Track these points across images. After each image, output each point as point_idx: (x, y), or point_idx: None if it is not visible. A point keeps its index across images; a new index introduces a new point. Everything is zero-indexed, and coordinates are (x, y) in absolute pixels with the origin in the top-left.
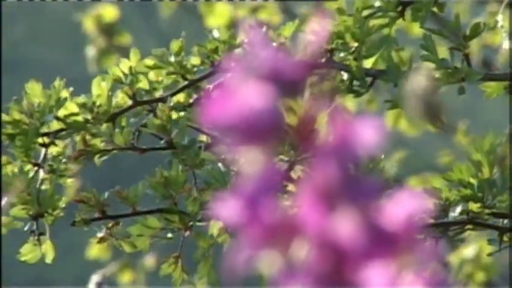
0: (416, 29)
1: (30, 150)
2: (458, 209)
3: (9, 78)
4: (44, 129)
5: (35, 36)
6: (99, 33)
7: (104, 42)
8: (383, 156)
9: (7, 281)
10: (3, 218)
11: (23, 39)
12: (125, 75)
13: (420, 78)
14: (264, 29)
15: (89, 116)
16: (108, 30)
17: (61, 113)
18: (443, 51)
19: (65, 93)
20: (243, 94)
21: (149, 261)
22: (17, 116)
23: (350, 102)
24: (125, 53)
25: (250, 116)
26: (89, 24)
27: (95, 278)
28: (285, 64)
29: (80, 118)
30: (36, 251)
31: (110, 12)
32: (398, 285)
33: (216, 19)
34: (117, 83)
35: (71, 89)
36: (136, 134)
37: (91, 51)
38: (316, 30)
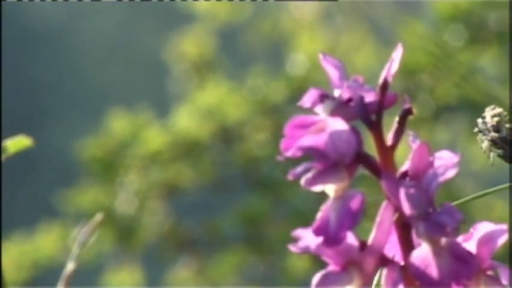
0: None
1: (112, 183)
2: None
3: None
4: (127, 162)
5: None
6: (186, 66)
7: (189, 74)
8: (461, 183)
9: None
10: (89, 250)
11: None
12: (208, 109)
13: (492, 114)
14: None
15: (171, 150)
16: (195, 63)
17: (144, 146)
18: None
19: (147, 126)
20: (324, 126)
21: None
22: (97, 151)
23: (441, 134)
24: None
25: (331, 146)
26: (175, 57)
27: None
28: (365, 95)
29: (162, 152)
30: (123, 281)
31: (195, 46)
32: None
33: (299, 52)
34: (201, 116)
35: (154, 120)
36: (220, 168)
37: (176, 83)
38: (393, 62)
